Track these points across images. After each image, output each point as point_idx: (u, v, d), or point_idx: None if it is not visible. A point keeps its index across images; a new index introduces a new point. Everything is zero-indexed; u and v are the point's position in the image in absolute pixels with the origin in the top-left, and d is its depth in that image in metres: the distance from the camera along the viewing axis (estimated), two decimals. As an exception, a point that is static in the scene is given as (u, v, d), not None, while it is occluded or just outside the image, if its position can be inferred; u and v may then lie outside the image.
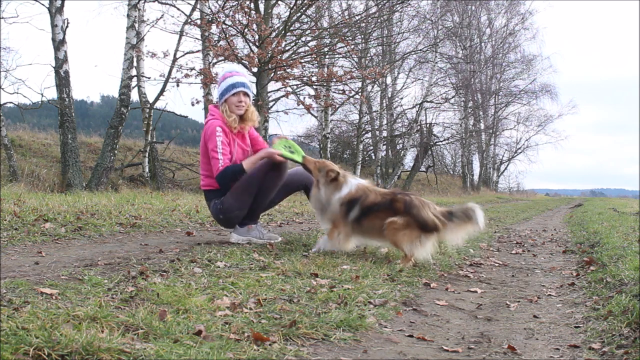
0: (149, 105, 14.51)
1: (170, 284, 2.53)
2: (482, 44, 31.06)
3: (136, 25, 12.06)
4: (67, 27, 10.76)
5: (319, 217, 4.03)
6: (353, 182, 3.85)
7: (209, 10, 13.18)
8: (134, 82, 12.67)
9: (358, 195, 3.75)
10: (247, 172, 4.01)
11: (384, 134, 24.16)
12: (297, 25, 13.20)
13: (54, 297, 2.18)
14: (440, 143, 29.01)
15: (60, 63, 10.64)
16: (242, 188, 4.02)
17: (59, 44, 10.65)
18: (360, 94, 17.20)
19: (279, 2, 13.01)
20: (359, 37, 16.39)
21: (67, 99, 10.69)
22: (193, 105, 12.86)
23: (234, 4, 12.02)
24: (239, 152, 4.16)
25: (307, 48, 13.07)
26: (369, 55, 19.07)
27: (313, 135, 25.67)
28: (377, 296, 2.72)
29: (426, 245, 3.60)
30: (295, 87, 13.33)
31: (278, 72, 11.72)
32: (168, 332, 1.86)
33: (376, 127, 24.41)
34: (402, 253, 3.68)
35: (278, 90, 13.75)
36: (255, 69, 11.73)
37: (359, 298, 2.59)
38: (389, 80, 24.33)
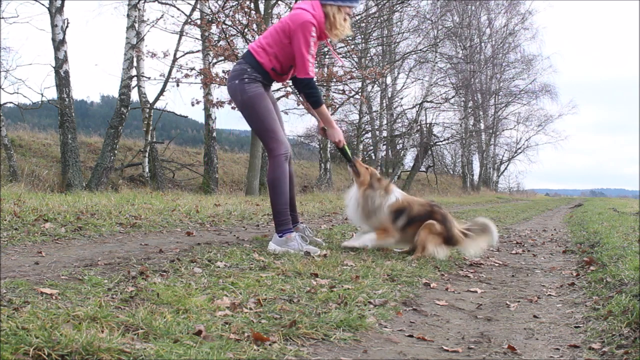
0: (149, 105, 14.51)
1: (170, 284, 2.53)
2: (482, 44, 31.05)
3: (136, 25, 12.06)
4: (67, 27, 10.77)
5: (358, 217, 4.22)
6: (398, 192, 4.26)
7: (209, 10, 13.18)
8: (134, 82, 12.68)
9: (404, 206, 4.17)
10: (319, 114, 3.95)
11: (384, 134, 24.16)
12: (297, 25, 13.18)
13: (54, 297, 2.18)
14: (440, 143, 29.00)
15: (60, 63, 10.64)
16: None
17: (59, 44, 10.66)
18: (360, 94, 17.20)
19: (279, 2, 13.01)
20: (359, 37, 16.40)
21: (67, 99, 10.69)
22: (193, 105, 12.87)
23: (234, 4, 12.02)
24: None
25: (307, 48, 13.06)
26: (369, 55, 19.07)
27: (313, 135, 25.67)
28: (377, 296, 2.72)
29: (442, 252, 4.14)
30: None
31: (278, 72, 11.70)
32: (168, 332, 1.86)
33: (376, 127, 24.40)
34: (419, 250, 4.10)
35: (278, 90, 13.76)
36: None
37: (359, 298, 2.59)
38: (389, 80, 24.33)
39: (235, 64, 3.95)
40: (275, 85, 13.78)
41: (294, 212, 4.23)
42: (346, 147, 4.23)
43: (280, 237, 3.82)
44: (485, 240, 4.24)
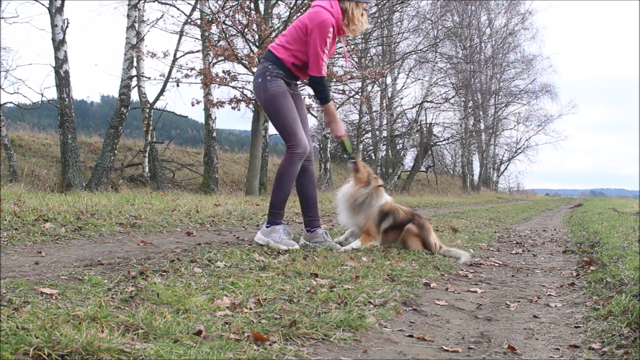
0: (149, 105, 14.51)
1: (170, 284, 2.53)
2: (482, 44, 31.06)
3: (136, 25, 12.06)
4: (67, 27, 10.76)
5: (347, 213, 4.29)
6: (386, 196, 4.39)
7: (209, 10, 13.18)
8: (134, 82, 12.67)
9: (392, 210, 4.34)
10: (325, 110, 4.03)
11: (384, 134, 24.14)
12: (297, 25, 13.18)
13: (54, 297, 2.18)
14: (440, 143, 29.02)
15: (60, 63, 10.64)
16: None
17: (59, 44, 10.65)
18: (360, 94, 17.20)
19: (279, 2, 13.01)
20: (359, 37, 16.39)
21: (67, 99, 10.69)
22: (193, 105, 12.87)
23: (234, 4, 12.02)
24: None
25: (307, 48, 13.07)
26: (369, 55, 19.07)
27: (313, 135, 25.64)
28: (377, 296, 2.72)
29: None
30: (295, 87, 13.33)
31: (278, 72, 11.69)
32: (168, 332, 1.86)
33: (376, 127, 24.39)
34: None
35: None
36: (255, 69, 11.72)
37: (359, 298, 2.59)
38: (389, 80, 24.32)
39: (260, 63, 4.04)
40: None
41: (311, 215, 4.16)
42: (347, 142, 4.30)
43: (267, 227, 3.97)
44: (454, 258, 4.31)
